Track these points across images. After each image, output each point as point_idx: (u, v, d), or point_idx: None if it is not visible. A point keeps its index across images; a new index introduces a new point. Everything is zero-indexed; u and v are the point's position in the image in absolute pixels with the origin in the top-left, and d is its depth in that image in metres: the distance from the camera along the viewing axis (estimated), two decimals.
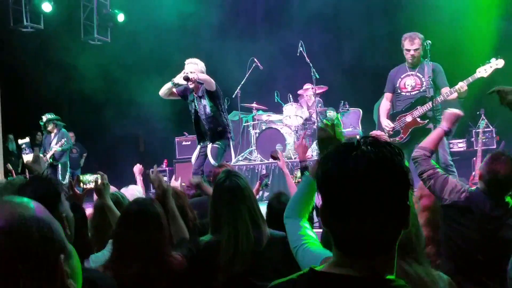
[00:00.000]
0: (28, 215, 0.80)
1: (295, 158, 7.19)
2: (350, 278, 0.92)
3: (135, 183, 3.82)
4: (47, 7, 8.73)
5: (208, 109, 4.88)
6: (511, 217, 2.38)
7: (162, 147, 10.40)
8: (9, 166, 7.15)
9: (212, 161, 4.90)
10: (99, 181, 2.41)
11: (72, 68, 8.92)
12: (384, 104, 4.98)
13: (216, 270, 1.99)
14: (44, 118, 7.41)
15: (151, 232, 1.89)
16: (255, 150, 7.73)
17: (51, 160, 7.52)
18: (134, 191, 3.42)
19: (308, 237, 1.57)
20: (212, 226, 2.13)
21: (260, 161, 7.51)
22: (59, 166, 7.61)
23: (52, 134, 7.46)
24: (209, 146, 5.05)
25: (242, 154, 8.03)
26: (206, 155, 5.09)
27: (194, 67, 4.81)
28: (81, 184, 2.51)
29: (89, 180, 2.57)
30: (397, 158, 0.94)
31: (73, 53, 9.07)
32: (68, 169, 7.69)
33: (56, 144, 7.35)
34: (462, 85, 4.48)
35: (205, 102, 4.88)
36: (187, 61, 4.92)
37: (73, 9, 9.39)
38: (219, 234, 2.06)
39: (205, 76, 4.77)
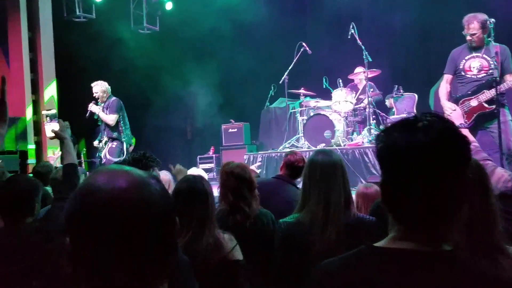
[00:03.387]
0: (145, 176, 0.81)
1: (344, 145, 7.00)
2: (413, 252, 0.92)
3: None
4: None
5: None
6: None
7: (209, 135, 10.47)
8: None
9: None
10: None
11: (123, 57, 9.09)
12: (444, 87, 4.66)
13: (308, 245, 1.95)
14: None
15: (198, 208, 2.00)
16: (303, 137, 7.59)
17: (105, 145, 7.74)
18: (197, 173, 3.49)
19: None
20: (301, 203, 2.09)
21: (308, 148, 7.37)
22: None
23: None
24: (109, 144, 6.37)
25: (289, 141, 7.91)
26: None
27: (96, 89, 6.35)
28: None
29: None
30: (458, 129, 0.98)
31: (124, 42, 9.24)
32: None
33: None
34: None
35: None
36: (93, 84, 6.41)
37: None
38: (307, 211, 2.04)
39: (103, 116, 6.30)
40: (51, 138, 2.33)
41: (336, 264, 1.00)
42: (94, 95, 6.35)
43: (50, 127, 2.35)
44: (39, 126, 8.20)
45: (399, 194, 0.95)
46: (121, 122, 6.38)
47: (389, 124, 1.01)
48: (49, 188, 3.23)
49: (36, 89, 8.24)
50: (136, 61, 9.27)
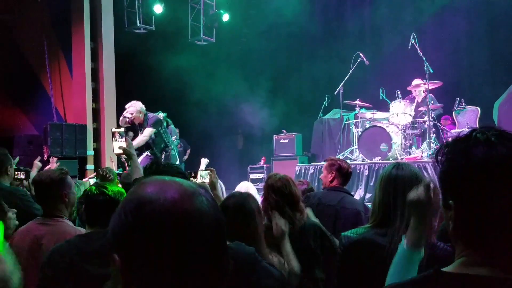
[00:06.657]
0: (194, 186, 0.79)
1: (402, 159, 6.73)
2: (492, 279, 0.84)
3: (233, 179, 3.89)
4: (158, 9, 9.23)
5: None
6: None
7: (260, 145, 10.46)
8: (123, 158, 7.70)
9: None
10: (213, 175, 2.90)
11: (179, 67, 9.30)
12: None
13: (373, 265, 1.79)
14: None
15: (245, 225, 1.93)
16: (357, 149, 7.38)
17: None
18: (245, 186, 3.45)
19: None
20: (377, 218, 1.89)
21: (362, 161, 7.16)
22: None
23: None
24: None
25: (343, 153, 7.72)
26: None
27: (131, 110, 5.69)
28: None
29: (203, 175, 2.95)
30: None
31: (181, 52, 9.46)
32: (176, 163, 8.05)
33: None
34: None
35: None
36: (127, 105, 5.76)
37: (182, 10, 9.81)
38: (386, 227, 1.83)
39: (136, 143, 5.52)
40: (118, 154, 2.43)
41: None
42: (130, 118, 5.63)
43: (118, 144, 2.45)
44: (99, 133, 8.51)
45: (472, 215, 0.87)
46: (164, 135, 5.95)
47: (452, 143, 0.91)
48: None
49: (97, 98, 8.57)
50: (192, 70, 9.45)
